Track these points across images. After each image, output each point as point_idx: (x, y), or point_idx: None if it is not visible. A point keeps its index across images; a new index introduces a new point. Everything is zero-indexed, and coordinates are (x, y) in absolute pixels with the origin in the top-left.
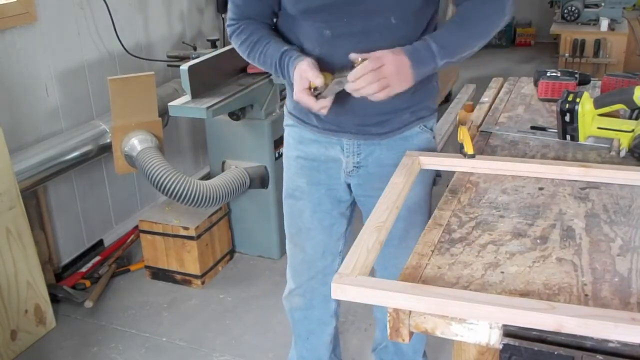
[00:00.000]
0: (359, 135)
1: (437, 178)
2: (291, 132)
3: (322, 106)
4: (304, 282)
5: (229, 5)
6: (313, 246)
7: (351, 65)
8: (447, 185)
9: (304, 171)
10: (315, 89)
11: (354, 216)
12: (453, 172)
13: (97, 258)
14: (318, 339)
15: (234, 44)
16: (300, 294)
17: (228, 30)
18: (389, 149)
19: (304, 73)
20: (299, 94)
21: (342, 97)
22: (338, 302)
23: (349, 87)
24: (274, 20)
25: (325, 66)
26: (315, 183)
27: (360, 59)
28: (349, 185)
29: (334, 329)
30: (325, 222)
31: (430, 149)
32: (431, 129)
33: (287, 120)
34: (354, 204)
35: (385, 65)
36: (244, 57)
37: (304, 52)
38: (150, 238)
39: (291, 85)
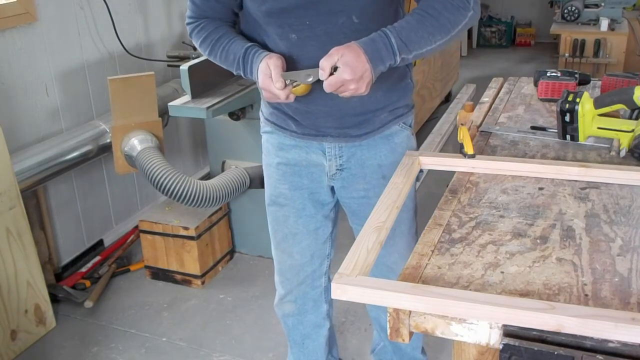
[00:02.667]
0: (340, 138)
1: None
2: (270, 138)
3: (287, 94)
4: (294, 287)
5: (188, 4)
6: (300, 251)
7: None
8: (447, 185)
9: (286, 177)
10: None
11: (338, 218)
12: (453, 172)
13: (97, 258)
14: (313, 342)
15: (195, 43)
16: (291, 300)
17: (187, 28)
18: (370, 149)
19: (276, 69)
20: (268, 80)
21: (319, 102)
22: (330, 303)
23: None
24: (234, 20)
25: (293, 68)
26: (298, 188)
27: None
28: (331, 188)
29: (328, 330)
30: (310, 226)
31: (410, 146)
32: (410, 126)
33: (265, 127)
34: (337, 205)
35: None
36: (205, 55)
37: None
38: (150, 238)
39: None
